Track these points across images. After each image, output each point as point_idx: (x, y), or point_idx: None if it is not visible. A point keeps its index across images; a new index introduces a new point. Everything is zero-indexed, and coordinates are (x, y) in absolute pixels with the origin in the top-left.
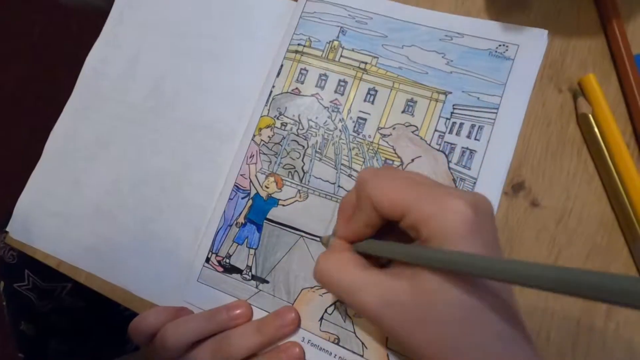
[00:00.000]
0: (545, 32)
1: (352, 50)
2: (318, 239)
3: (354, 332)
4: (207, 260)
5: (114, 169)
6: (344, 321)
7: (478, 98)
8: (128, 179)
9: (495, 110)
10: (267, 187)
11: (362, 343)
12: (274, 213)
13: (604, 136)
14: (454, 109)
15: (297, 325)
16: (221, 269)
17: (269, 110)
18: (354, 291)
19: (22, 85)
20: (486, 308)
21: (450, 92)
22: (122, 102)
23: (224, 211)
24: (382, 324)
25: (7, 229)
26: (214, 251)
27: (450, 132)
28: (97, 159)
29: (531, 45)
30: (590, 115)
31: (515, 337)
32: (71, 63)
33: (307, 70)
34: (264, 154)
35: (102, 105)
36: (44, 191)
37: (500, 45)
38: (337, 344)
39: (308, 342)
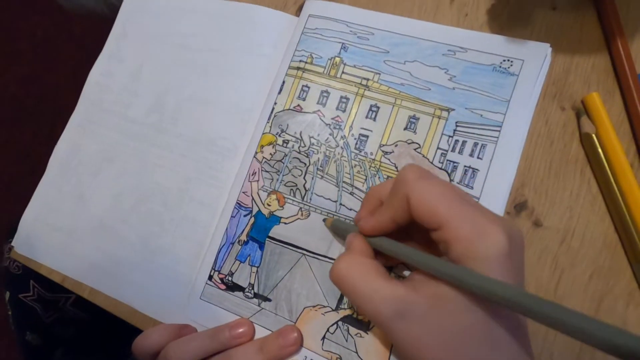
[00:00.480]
0: (548, 46)
1: (354, 66)
2: (320, 257)
3: (356, 352)
4: (210, 277)
5: (117, 184)
6: (346, 340)
7: (481, 115)
8: (131, 194)
9: (498, 128)
10: (269, 205)
11: None
12: (276, 231)
13: (608, 156)
14: (457, 126)
15: (299, 345)
16: (224, 287)
17: (270, 127)
18: (373, 300)
19: (23, 87)
20: (506, 333)
21: (453, 109)
22: (124, 117)
23: (227, 229)
24: (394, 335)
25: (13, 243)
26: (216, 269)
27: (453, 150)
28: (101, 173)
29: (536, 60)
30: (593, 135)
31: None
32: (73, 66)
33: (308, 87)
34: (266, 171)
35: (106, 120)
36: (49, 206)
37: (504, 61)
38: None
39: None
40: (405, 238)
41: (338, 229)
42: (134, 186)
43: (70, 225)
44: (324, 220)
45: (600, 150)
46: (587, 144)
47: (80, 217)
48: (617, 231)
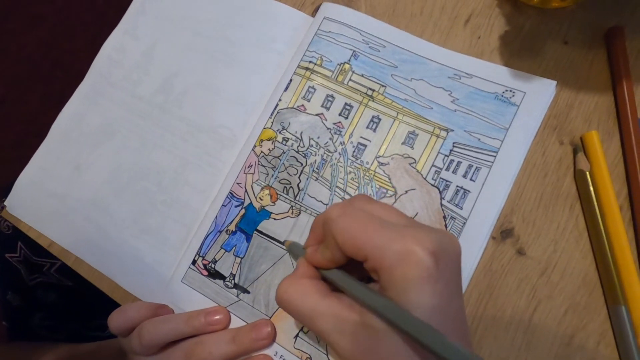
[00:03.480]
0: (554, 83)
1: (362, 75)
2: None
3: (326, 354)
4: (194, 262)
5: (116, 159)
6: (318, 341)
7: (479, 139)
8: (127, 170)
9: (494, 154)
10: (262, 199)
11: None
12: (265, 225)
13: (599, 196)
14: (453, 146)
15: (271, 340)
16: (206, 273)
17: (272, 122)
18: (312, 318)
19: (40, 50)
20: None
21: (452, 130)
22: (131, 94)
23: (216, 216)
24: (337, 349)
25: (5, 202)
26: (201, 254)
27: (447, 169)
28: (101, 146)
29: (538, 94)
30: (587, 173)
31: None
32: (91, 36)
33: (314, 89)
34: (262, 165)
35: (112, 94)
36: (45, 171)
37: (507, 90)
38: None
39: (280, 357)
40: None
41: (292, 252)
42: (131, 163)
43: (64, 194)
44: (284, 242)
45: (592, 188)
46: (580, 181)
47: (75, 187)
48: (598, 271)
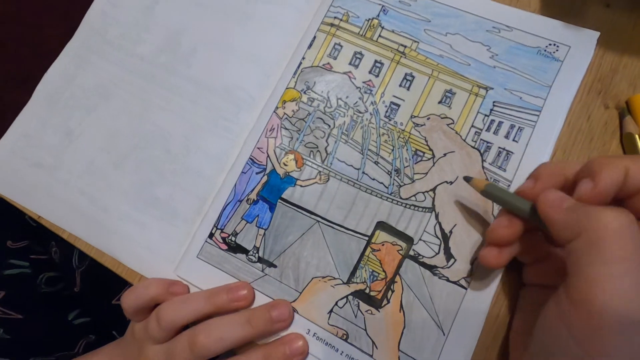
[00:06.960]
0: (597, 34)
1: (392, 31)
2: (335, 226)
3: (365, 330)
4: (211, 235)
5: (114, 124)
6: (355, 316)
7: (520, 98)
8: (129, 136)
9: (537, 113)
10: (286, 165)
11: (373, 342)
12: (290, 193)
13: None
14: (494, 105)
15: (291, 321)
16: (225, 247)
17: (296, 82)
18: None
19: (3, 26)
20: None
21: (492, 88)
22: (131, 53)
23: (235, 185)
24: None
25: None
26: (219, 227)
27: (488, 129)
28: (96, 110)
29: (583, 48)
30: (636, 136)
31: None
32: (64, 12)
33: (341, 46)
34: (286, 128)
35: (108, 53)
36: (30, 138)
37: (550, 45)
38: (346, 340)
39: (314, 335)
40: None
41: (492, 195)
42: (133, 128)
43: (53, 163)
44: (469, 180)
45: None
46: (628, 144)
47: (66, 156)
48: None
